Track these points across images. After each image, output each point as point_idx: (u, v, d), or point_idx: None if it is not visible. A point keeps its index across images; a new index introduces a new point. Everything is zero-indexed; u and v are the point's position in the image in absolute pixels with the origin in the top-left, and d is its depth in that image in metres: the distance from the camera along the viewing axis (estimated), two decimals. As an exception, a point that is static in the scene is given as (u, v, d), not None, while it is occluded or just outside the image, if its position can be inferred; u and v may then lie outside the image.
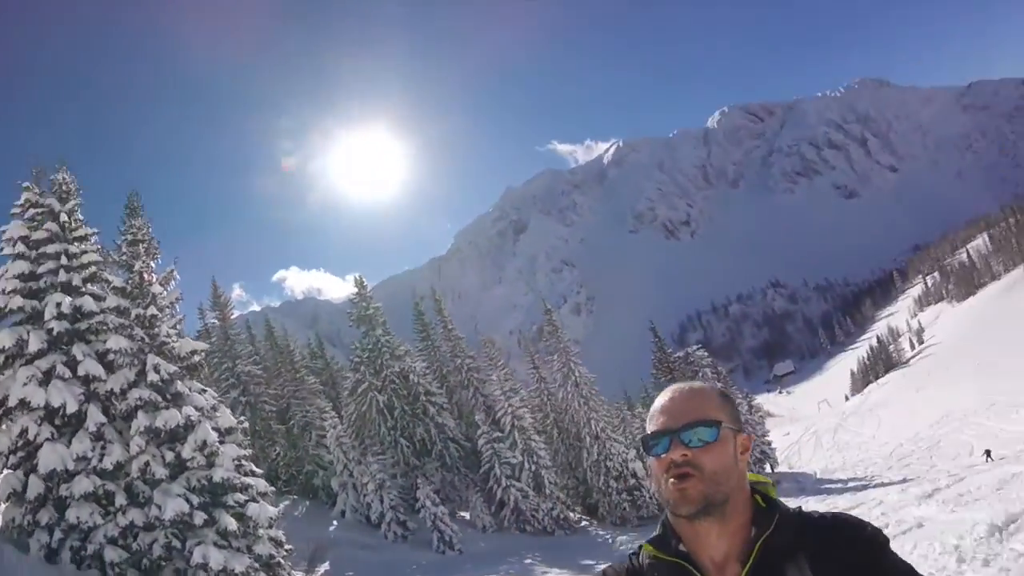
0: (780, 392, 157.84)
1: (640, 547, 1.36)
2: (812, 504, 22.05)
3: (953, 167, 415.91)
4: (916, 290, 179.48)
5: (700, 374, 30.76)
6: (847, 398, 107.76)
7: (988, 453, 25.90)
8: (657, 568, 1.31)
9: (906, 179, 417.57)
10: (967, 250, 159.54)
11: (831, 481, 29.78)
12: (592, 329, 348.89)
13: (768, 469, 34.09)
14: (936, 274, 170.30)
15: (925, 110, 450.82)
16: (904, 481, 23.45)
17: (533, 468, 22.80)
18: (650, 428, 1.32)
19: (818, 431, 65.56)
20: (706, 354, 32.35)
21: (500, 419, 23.44)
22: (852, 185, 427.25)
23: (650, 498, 23.62)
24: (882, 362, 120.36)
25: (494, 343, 28.05)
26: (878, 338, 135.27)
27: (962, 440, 33.36)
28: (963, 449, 29.84)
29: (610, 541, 19.59)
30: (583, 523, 23.44)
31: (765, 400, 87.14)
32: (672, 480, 1.27)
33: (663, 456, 1.29)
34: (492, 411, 24.16)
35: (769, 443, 35.42)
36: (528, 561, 16.60)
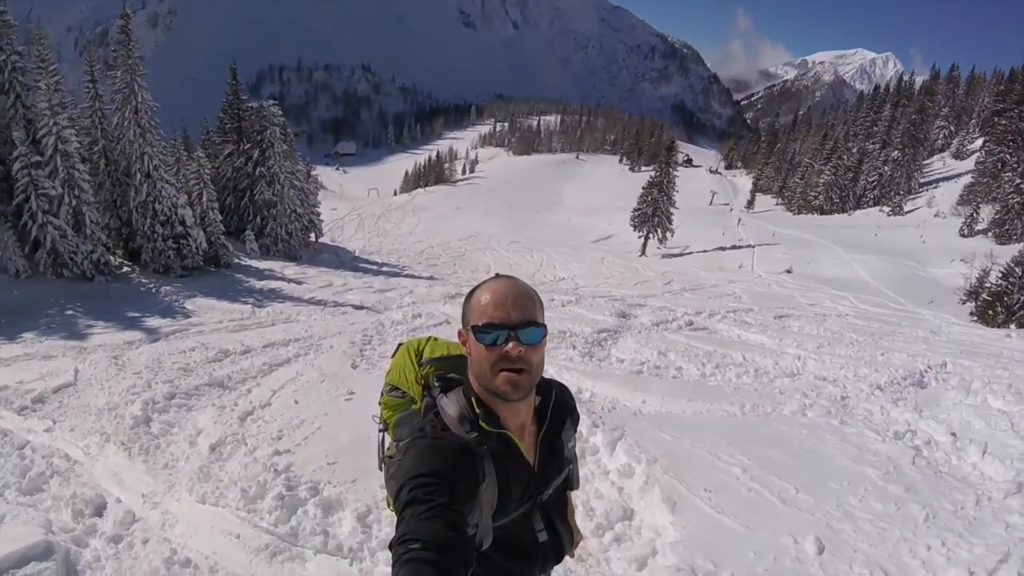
0: (338, 169, 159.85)
1: (436, 418, 1.53)
2: (350, 279, 21.84)
3: (563, 54, 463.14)
4: (485, 129, 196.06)
5: (268, 131, 28.47)
6: (396, 193, 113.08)
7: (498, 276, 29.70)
8: (485, 439, 1.46)
9: (520, 40, 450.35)
10: (540, 120, 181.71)
11: (367, 262, 30.69)
12: (164, 49, 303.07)
13: (313, 237, 34.22)
14: (507, 124, 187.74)
15: (570, 0, 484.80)
16: (431, 279, 25.23)
17: (74, 203, 18.01)
18: (483, 318, 1.44)
19: (363, 214, 67.81)
20: (279, 112, 29.45)
21: (42, 139, 17.78)
22: (475, 18, 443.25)
23: (196, 249, 21.26)
24: (435, 174, 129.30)
25: (47, 40, 20.82)
26: (438, 153, 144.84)
27: (483, 259, 36.64)
28: (481, 266, 33.19)
29: (154, 291, 17.00)
30: (125, 269, 19.96)
31: (322, 172, 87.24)
32: (504, 372, 1.42)
33: (495, 347, 1.42)
34: (34, 128, 18.20)
35: (318, 214, 35.06)
36: (70, 312, 13.39)
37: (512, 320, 1.42)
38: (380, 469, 1.84)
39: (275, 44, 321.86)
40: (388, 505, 1.74)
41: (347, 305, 15.16)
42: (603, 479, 4.97)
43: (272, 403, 6.73)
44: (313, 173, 41.14)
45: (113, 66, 21.24)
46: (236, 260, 24.17)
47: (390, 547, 1.22)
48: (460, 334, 1.54)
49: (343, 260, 30.28)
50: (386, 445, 1.81)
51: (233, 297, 16.27)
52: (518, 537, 1.58)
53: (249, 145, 28.55)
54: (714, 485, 4.77)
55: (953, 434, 6.34)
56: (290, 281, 20.40)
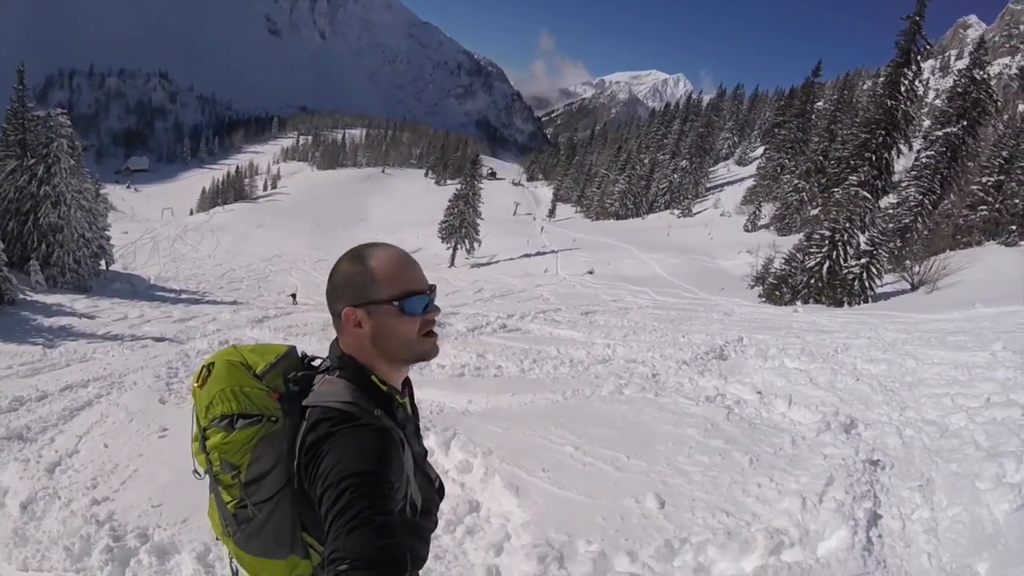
0: (129, 187, 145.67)
1: (325, 414, 1.33)
2: (147, 309, 20.34)
3: (370, 68, 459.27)
4: (288, 143, 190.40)
5: (55, 143, 25.50)
6: (192, 212, 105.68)
7: (294, 296, 27.37)
8: (393, 413, 1.39)
9: (326, 51, 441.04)
10: (345, 133, 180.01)
11: (165, 289, 28.42)
12: None
13: (104, 265, 30.88)
14: (311, 138, 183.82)
15: (380, 14, 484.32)
16: (235, 303, 23.95)
17: None
18: (401, 287, 1.36)
19: (157, 237, 62.60)
20: (68, 122, 26.68)
21: None
22: (281, 25, 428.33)
23: None
24: (234, 190, 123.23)
25: None
26: (238, 168, 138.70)
27: (289, 280, 36.03)
28: (288, 287, 32.11)
29: None
30: None
31: (112, 191, 78.95)
32: (427, 336, 1.40)
33: (418, 315, 1.38)
34: None
35: (108, 238, 31.65)
36: None
37: (426, 285, 1.39)
38: (226, 536, 1.46)
39: (66, 47, 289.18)
40: (233, 571, 1.54)
41: (146, 338, 14.22)
42: (443, 477, 5.00)
43: (80, 450, 6.20)
44: (102, 192, 37.36)
45: None
46: (21, 296, 21.48)
47: (323, 564, 1.16)
48: (349, 313, 1.37)
49: (137, 289, 27.96)
50: (225, 500, 1.41)
51: (21, 338, 14.58)
52: (428, 490, 1.52)
53: (34, 160, 25.57)
54: (551, 465, 5.00)
55: (759, 392, 7.24)
56: (82, 316, 18.70)
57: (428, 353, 1.42)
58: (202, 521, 4.17)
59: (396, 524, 1.19)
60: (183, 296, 26.52)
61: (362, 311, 1.36)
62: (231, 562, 1.52)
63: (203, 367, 1.44)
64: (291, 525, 1.40)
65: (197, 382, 1.43)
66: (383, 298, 1.35)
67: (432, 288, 1.41)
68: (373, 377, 1.39)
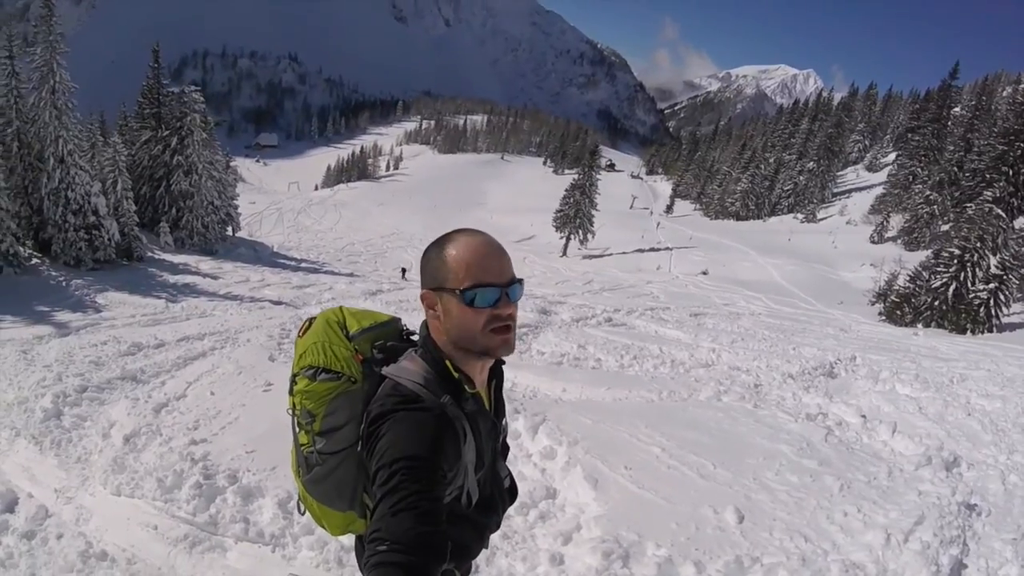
0: (258, 161, 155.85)
1: (394, 390, 1.38)
2: (267, 274, 21.34)
3: (493, 55, 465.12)
4: (411, 126, 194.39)
5: (188, 118, 27.42)
6: (317, 187, 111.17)
7: (404, 272, 28.24)
8: (461, 402, 1.39)
9: (450, 37, 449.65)
10: (467, 119, 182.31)
11: (286, 257, 30.04)
12: (86, 27, 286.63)
13: (230, 231, 33.06)
14: (433, 122, 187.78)
15: (503, 2, 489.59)
16: (352, 275, 24.94)
17: (-15, 189, 17.01)
18: (470, 279, 1.34)
19: (283, 209, 66.28)
20: (201, 98, 28.61)
21: (-46, 119, 16.53)
22: (407, 12, 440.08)
23: (108, 240, 20.11)
24: (358, 169, 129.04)
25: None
26: (362, 148, 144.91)
27: (405, 257, 36.89)
28: (403, 263, 32.87)
29: (64, 284, 15.95)
30: (34, 261, 18.87)
31: (242, 164, 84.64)
32: (496, 332, 1.36)
33: (486, 308, 1.35)
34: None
35: (236, 207, 33.80)
36: (-25, 308, 12.68)
37: (501, 279, 1.36)
38: (297, 475, 1.58)
39: (200, 29, 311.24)
40: (300, 510, 1.64)
41: (264, 300, 14.96)
42: (526, 461, 5.03)
43: (187, 395, 6.53)
44: (232, 164, 40.01)
45: (33, 43, 20.02)
46: (150, 253, 23.43)
47: (364, 541, 1.20)
48: (426, 296, 1.43)
49: (261, 255, 29.55)
50: (301, 442, 1.52)
51: (146, 291, 15.76)
52: (491, 488, 1.56)
53: (168, 132, 27.67)
54: (634, 463, 4.91)
55: (863, 416, 6.87)
56: (205, 276, 19.92)
57: (492, 349, 1.39)
58: (290, 471, 4.41)
59: (441, 512, 1.23)
60: (303, 265, 27.78)
61: (435, 296, 1.41)
62: (298, 502, 1.64)
63: (307, 320, 1.57)
64: (353, 482, 1.49)
65: (300, 332, 1.56)
66: (451, 286, 1.37)
67: (512, 282, 1.38)
68: (447, 363, 1.41)
